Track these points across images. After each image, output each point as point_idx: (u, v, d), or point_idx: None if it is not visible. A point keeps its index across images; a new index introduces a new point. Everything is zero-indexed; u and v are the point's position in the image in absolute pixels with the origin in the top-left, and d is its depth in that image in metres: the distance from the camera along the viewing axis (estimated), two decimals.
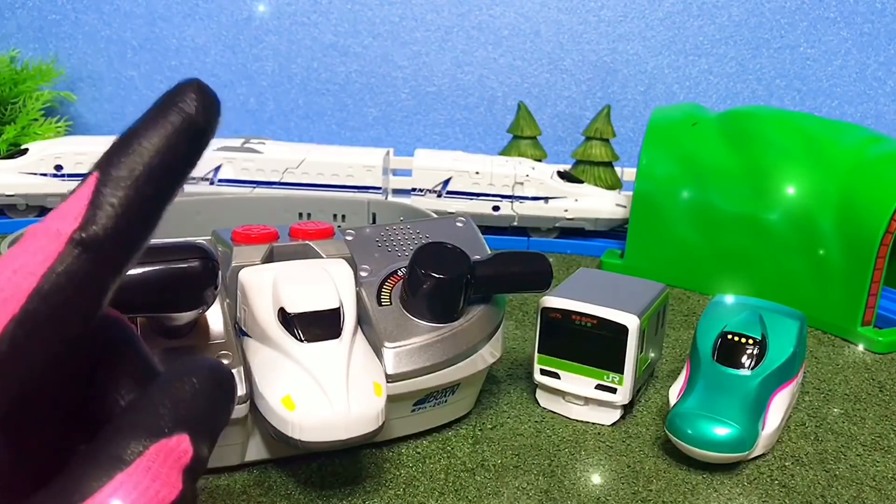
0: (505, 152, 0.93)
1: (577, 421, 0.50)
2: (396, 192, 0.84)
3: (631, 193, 0.75)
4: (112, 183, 0.19)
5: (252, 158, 0.80)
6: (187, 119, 0.20)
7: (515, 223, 0.83)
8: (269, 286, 0.41)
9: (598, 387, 0.48)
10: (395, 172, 0.86)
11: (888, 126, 1.06)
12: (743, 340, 0.48)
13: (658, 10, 1.04)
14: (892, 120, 1.06)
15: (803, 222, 0.66)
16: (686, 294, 0.73)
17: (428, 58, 1.07)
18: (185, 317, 0.37)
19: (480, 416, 0.50)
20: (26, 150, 0.81)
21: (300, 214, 0.70)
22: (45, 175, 0.80)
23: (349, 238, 0.47)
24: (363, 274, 0.46)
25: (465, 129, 1.09)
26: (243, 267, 0.42)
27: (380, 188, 0.81)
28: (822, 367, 0.59)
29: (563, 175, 0.84)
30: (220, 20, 1.05)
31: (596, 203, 0.83)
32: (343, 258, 0.44)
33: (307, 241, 0.45)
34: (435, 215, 0.60)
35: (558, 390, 0.50)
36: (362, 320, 0.43)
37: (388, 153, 0.84)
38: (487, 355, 0.47)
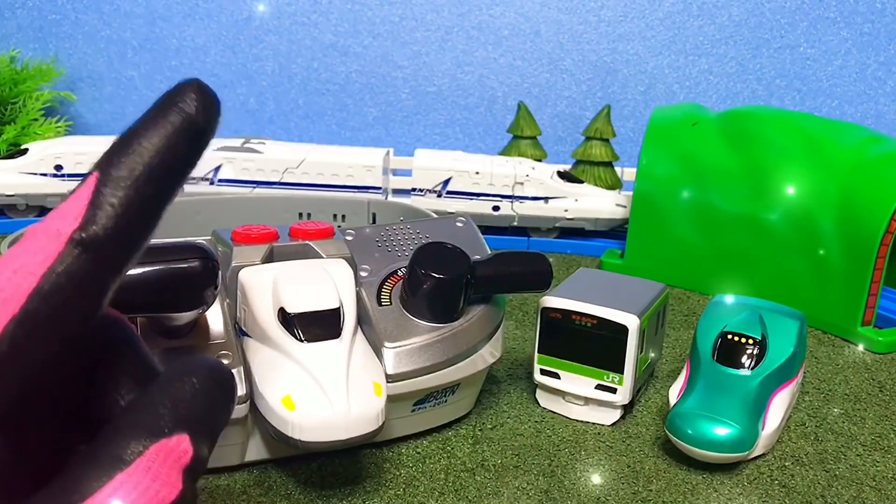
0: (505, 152, 0.93)
1: (577, 421, 0.50)
2: (396, 192, 0.84)
3: (631, 193, 0.75)
4: (112, 183, 0.19)
5: (252, 158, 0.80)
6: (187, 119, 0.20)
7: (515, 223, 0.83)
8: (269, 286, 0.41)
9: (598, 387, 0.48)
10: (395, 172, 0.86)
11: (888, 126, 1.06)
12: (743, 340, 0.48)
13: (658, 10, 1.04)
14: (892, 120, 1.06)
15: (803, 222, 0.66)
16: (686, 294, 0.73)
17: (428, 58, 1.07)
18: (185, 317, 0.37)
19: (480, 416, 0.50)
20: (26, 150, 0.82)
21: (300, 214, 0.70)
22: (45, 175, 0.80)
23: (349, 238, 0.47)
24: (363, 274, 0.46)
25: (465, 129, 1.09)
26: (243, 267, 0.42)
27: (380, 188, 0.81)
28: (822, 367, 0.59)
29: (563, 175, 0.84)
30: (220, 20, 1.05)
31: (596, 203, 0.83)
32: (343, 258, 0.44)
33: (307, 241, 0.45)
34: (435, 215, 0.60)
35: (558, 390, 0.50)
36: (362, 320, 0.43)
37: (388, 153, 0.84)
38: (487, 355, 0.47)
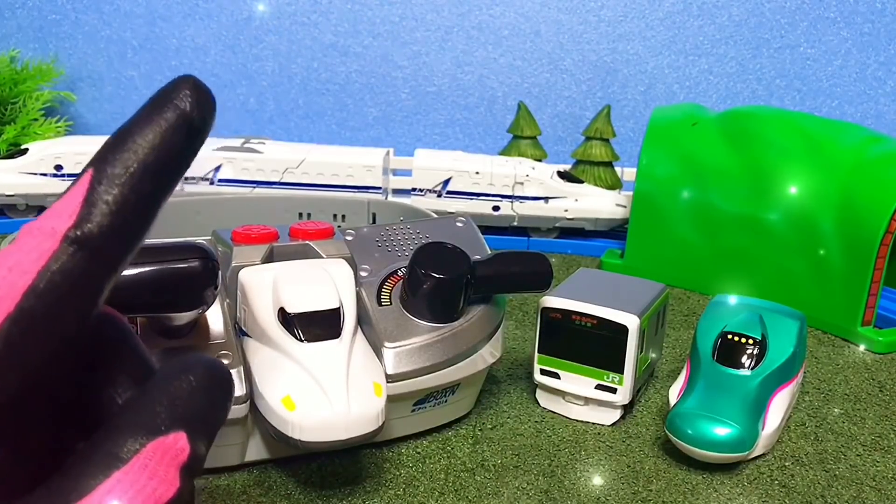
0: (505, 152, 0.93)
1: (577, 421, 0.50)
2: (396, 192, 0.84)
3: (631, 193, 0.75)
4: (107, 180, 0.19)
5: (252, 158, 0.80)
6: (182, 115, 0.20)
7: (515, 223, 0.83)
8: (269, 286, 0.41)
9: (598, 387, 0.48)
10: (395, 172, 0.85)
11: (888, 126, 1.05)
12: (743, 340, 0.48)
13: (658, 10, 1.04)
14: (892, 120, 1.06)
15: (803, 222, 0.66)
16: (686, 294, 0.72)
17: (428, 58, 1.07)
18: (185, 317, 0.37)
19: (480, 416, 0.50)
20: (26, 150, 0.81)
21: (300, 214, 0.69)
22: (45, 175, 0.80)
23: (349, 238, 0.47)
24: (363, 274, 0.46)
25: (465, 129, 1.09)
26: (243, 267, 0.42)
27: (380, 188, 0.81)
28: (822, 367, 0.59)
29: (563, 175, 0.84)
30: (220, 20, 1.05)
31: (596, 203, 0.83)
32: (343, 258, 0.44)
33: (307, 241, 0.45)
34: (435, 215, 0.59)
35: (558, 390, 0.50)
36: (362, 320, 0.43)
37: (388, 153, 0.84)
38: (487, 355, 0.47)
